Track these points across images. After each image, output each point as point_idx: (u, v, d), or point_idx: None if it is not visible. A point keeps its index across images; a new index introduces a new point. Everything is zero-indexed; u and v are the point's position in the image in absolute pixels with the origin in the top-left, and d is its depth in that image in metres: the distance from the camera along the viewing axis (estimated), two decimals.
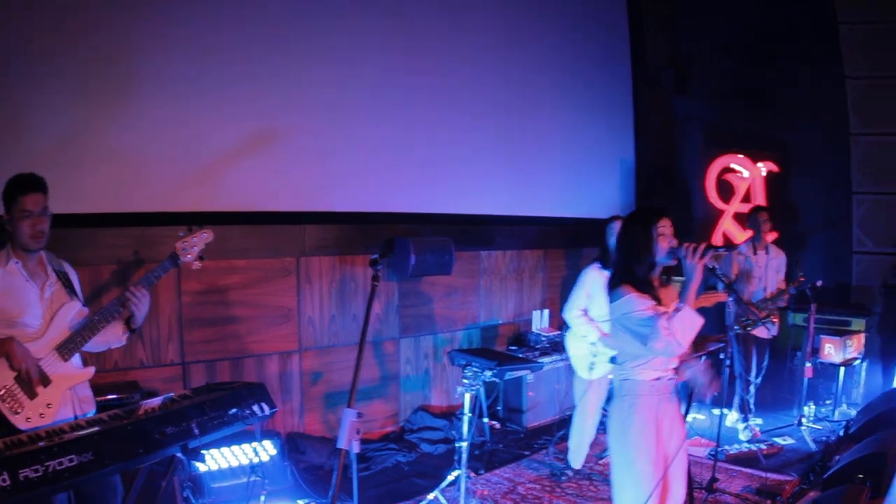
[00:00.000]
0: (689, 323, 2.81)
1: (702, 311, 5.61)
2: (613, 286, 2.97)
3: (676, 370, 3.07)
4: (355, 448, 3.67)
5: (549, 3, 7.21)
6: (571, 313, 5.03)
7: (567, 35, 7.42)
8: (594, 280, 4.92)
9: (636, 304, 2.86)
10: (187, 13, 4.63)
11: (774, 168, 8.25)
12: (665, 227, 2.96)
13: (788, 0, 8.01)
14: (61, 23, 4.12)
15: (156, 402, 2.70)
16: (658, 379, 2.97)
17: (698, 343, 3.96)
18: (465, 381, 4.50)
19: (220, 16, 4.76)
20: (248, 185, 4.93)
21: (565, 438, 5.34)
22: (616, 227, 4.78)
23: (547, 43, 7.16)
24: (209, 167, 4.78)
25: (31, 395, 2.79)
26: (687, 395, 4.67)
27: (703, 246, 2.85)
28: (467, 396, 4.49)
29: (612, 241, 4.90)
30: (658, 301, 2.92)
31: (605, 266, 4.92)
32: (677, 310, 2.82)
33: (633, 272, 2.94)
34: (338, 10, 5.40)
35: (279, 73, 5.05)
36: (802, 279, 5.94)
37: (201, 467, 4.07)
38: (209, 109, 4.73)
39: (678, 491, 3.03)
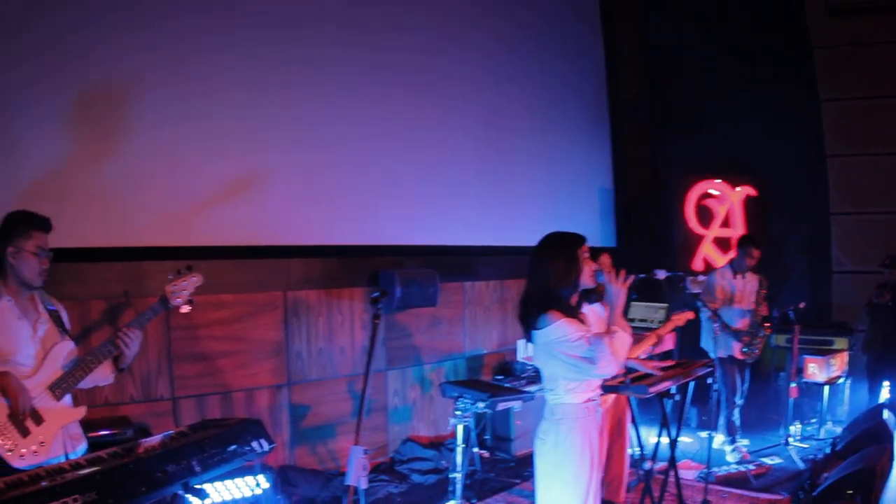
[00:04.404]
0: (624, 342, 2.88)
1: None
2: (536, 313, 2.90)
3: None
4: (363, 484, 3.64)
5: (528, 40, 7.37)
6: None
7: (545, 69, 7.57)
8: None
9: (569, 329, 2.83)
10: (180, 54, 4.68)
11: (752, 192, 8.37)
12: (586, 252, 3.02)
13: (764, 27, 8.19)
14: (42, 54, 4.11)
15: (155, 440, 2.65)
16: (591, 400, 2.99)
17: (686, 367, 4.00)
18: (458, 412, 4.53)
19: (211, 59, 4.84)
20: (234, 219, 4.95)
21: None
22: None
23: (526, 77, 7.32)
24: (197, 202, 4.80)
25: (24, 432, 2.72)
26: (676, 418, 4.71)
27: (623, 273, 2.97)
28: (460, 427, 4.52)
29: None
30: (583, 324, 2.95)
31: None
32: (612, 332, 2.86)
33: (559, 297, 2.91)
34: (324, 54, 5.53)
35: (269, 112, 5.13)
36: (791, 307, 6.09)
37: None
38: (199, 145, 4.77)
39: None
